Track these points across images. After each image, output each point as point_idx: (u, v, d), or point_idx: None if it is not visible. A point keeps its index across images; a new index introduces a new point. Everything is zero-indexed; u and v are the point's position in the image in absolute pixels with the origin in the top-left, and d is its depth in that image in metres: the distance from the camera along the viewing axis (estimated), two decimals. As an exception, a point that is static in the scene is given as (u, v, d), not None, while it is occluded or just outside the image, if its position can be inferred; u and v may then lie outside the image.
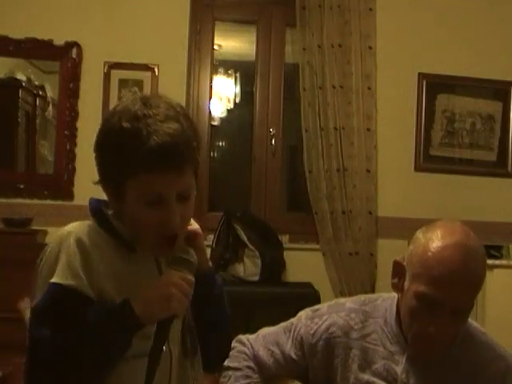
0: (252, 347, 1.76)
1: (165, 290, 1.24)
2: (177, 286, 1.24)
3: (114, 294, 1.28)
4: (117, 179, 1.31)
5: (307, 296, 3.53)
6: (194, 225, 1.45)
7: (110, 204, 1.38)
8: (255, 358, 1.73)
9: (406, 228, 3.74)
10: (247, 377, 1.68)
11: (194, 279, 1.30)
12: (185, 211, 1.33)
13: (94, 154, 1.36)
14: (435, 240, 1.52)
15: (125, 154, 1.27)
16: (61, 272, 1.26)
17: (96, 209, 1.38)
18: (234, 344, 1.77)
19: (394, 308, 1.65)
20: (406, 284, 1.57)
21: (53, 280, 1.25)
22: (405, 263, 1.59)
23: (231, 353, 1.74)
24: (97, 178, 1.37)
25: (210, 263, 1.49)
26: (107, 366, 1.24)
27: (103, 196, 1.41)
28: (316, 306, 1.79)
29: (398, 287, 1.61)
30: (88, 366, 1.21)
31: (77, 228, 1.33)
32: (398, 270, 1.60)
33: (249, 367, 1.71)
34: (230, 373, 1.69)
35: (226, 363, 1.71)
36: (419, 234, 1.58)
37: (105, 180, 1.35)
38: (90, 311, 1.23)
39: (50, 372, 1.19)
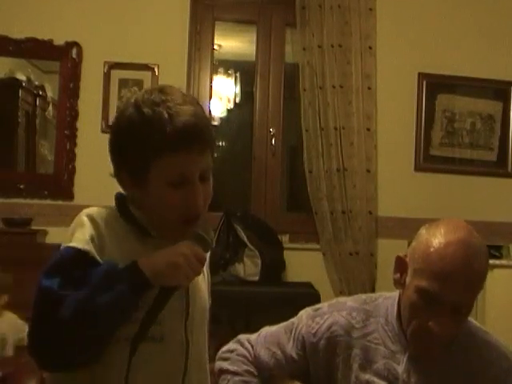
0: (253, 348, 1.74)
1: (174, 259, 1.25)
2: (186, 258, 1.25)
3: None
4: (139, 165, 1.32)
5: (307, 296, 3.52)
6: None
7: (129, 196, 1.39)
8: (256, 359, 1.72)
9: (406, 228, 3.76)
10: (245, 382, 1.67)
11: (206, 257, 1.32)
12: (206, 192, 1.36)
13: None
14: (438, 236, 1.52)
15: (149, 138, 1.30)
16: (75, 239, 1.28)
17: (119, 198, 1.41)
18: (233, 346, 1.77)
19: (396, 307, 1.64)
20: (408, 279, 1.57)
21: (66, 244, 1.28)
22: (407, 259, 1.59)
23: (231, 355, 1.73)
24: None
25: None
26: (111, 327, 1.23)
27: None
28: (317, 306, 1.78)
29: (399, 283, 1.61)
30: (93, 321, 1.19)
31: (91, 209, 1.35)
32: (401, 265, 1.61)
33: (248, 372, 1.69)
34: (229, 377, 1.68)
35: (225, 366, 1.70)
36: (422, 230, 1.59)
37: (125, 170, 1.35)
38: (98, 268, 1.23)
39: (53, 322, 1.18)
